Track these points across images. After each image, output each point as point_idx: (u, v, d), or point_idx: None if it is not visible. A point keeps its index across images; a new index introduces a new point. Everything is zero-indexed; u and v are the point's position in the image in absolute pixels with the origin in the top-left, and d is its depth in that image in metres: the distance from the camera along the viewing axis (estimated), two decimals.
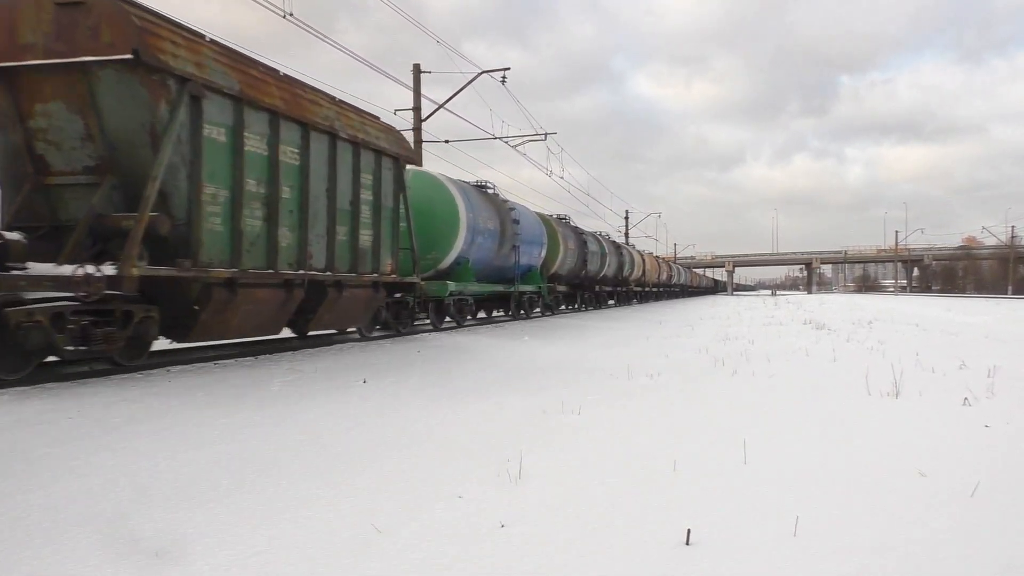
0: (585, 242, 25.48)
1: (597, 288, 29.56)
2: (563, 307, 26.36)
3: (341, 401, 6.06)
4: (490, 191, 17.57)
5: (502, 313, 20.64)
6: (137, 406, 5.52)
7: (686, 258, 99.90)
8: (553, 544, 2.71)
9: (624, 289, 36.24)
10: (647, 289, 43.97)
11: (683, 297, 62.68)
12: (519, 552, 2.63)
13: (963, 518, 2.92)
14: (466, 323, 16.25)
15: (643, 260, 40.29)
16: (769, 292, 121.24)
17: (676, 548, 2.65)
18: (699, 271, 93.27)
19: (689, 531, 2.74)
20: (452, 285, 14.18)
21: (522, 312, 19.91)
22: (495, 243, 16.45)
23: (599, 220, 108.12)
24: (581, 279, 25.74)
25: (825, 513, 3.00)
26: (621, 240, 52.10)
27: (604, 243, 29.55)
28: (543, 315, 22.11)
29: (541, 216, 21.68)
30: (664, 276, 49.94)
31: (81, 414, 5.13)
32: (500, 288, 17.61)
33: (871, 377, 6.87)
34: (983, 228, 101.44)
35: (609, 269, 29.76)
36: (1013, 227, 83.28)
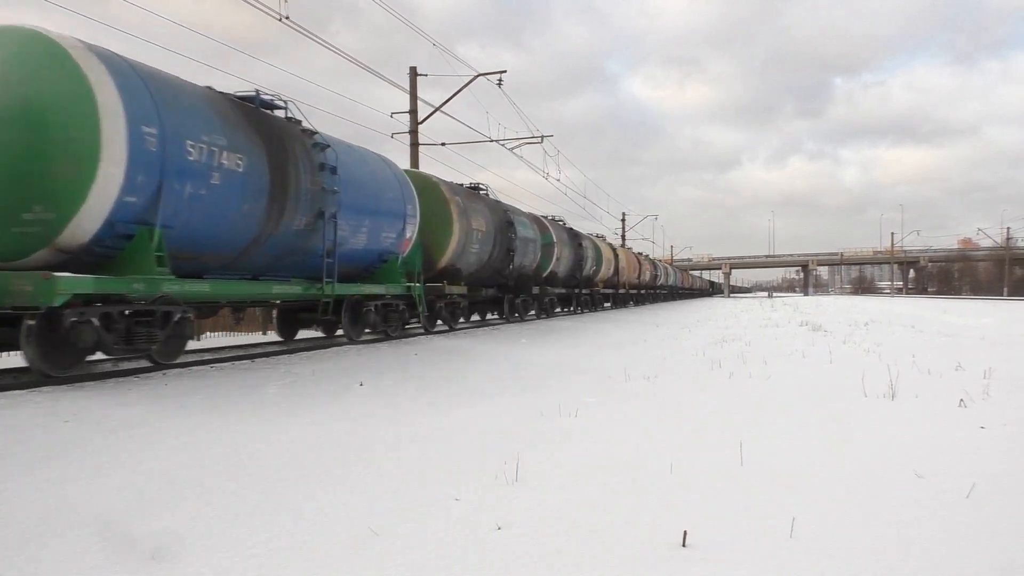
0: (511, 224, 17.86)
1: (537, 290, 21.00)
2: (492, 316, 20.13)
3: (337, 404, 6.05)
4: (282, 109, 9.65)
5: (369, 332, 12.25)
6: (134, 410, 5.51)
7: (683, 260, 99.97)
8: (549, 546, 2.71)
9: (587, 292, 28.01)
10: (622, 291, 35.54)
11: (673, 300, 56.63)
12: (516, 554, 2.63)
13: (960, 519, 2.93)
14: (198, 362, 8.69)
15: (615, 256, 32.31)
16: (766, 294, 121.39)
17: (672, 550, 2.65)
18: (695, 273, 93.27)
19: (685, 533, 2.74)
20: (74, 282, 6.50)
21: (367, 331, 11.93)
22: (258, 200, 8.46)
23: (596, 223, 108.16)
24: (506, 278, 18.21)
25: (822, 515, 3.00)
26: (616, 241, 50.01)
27: (551, 229, 21.98)
28: (427, 333, 14.24)
29: (412, 174, 14.25)
30: (647, 276, 42.78)
31: (78, 418, 5.12)
32: (296, 290, 9.78)
33: (867, 379, 6.89)
34: (979, 230, 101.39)
35: (560, 265, 22.74)
36: (1009, 228, 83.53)
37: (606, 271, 30.06)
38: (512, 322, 19.26)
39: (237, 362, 8.84)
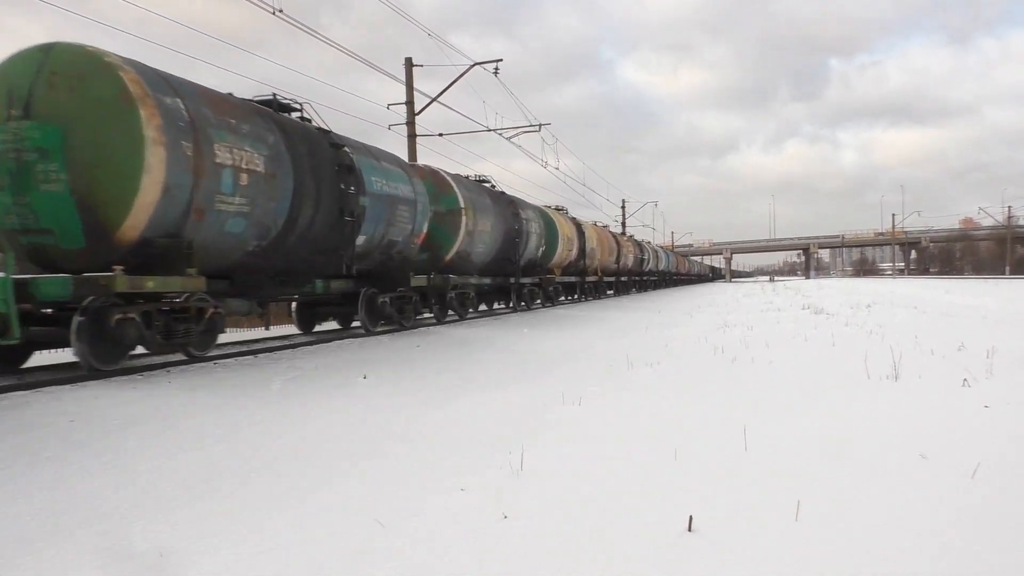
0: (349, 169, 10.62)
1: (424, 282, 13.58)
2: (350, 328, 13.51)
3: (342, 398, 6.06)
4: None
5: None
6: (137, 407, 5.51)
7: (684, 246, 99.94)
8: (556, 534, 2.71)
9: (532, 281, 20.59)
10: (592, 279, 28.44)
11: (666, 288, 49.98)
12: (522, 542, 2.64)
13: (964, 499, 2.93)
14: None
15: (578, 233, 25.41)
16: (767, 278, 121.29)
17: (679, 535, 2.65)
18: (696, 258, 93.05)
19: (691, 518, 2.74)
20: None
21: None
22: None
23: (596, 210, 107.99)
24: (347, 262, 11.04)
25: (826, 497, 3.00)
26: (617, 229, 44.35)
27: (456, 188, 14.89)
28: (98, 373, 7.05)
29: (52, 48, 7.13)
30: (630, 260, 35.74)
31: (81, 416, 5.13)
32: None
33: (870, 361, 6.88)
34: (980, 209, 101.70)
35: (476, 243, 15.69)
36: (1010, 207, 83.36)
37: (565, 253, 22.86)
38: (376, 333, 12.01)
39: (241, 357, 8.85)
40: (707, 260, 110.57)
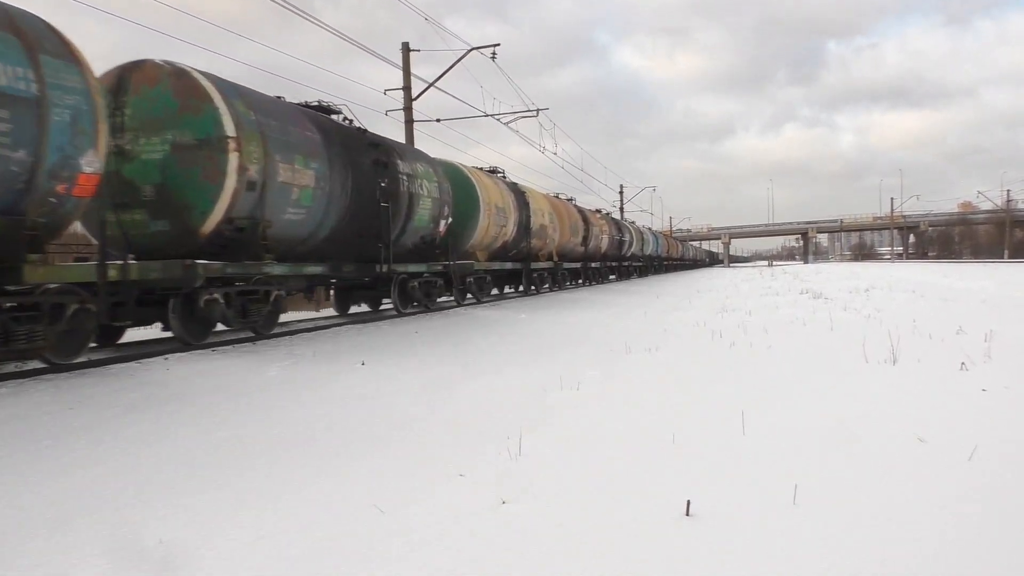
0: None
1: (57, 275, 6.44)
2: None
3: (340, 385, 6.07)
4: None
5: None
6: (136, 395, 5.52)
7: (683, 231, 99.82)
8: (554, 519, 2.72)
9: (436, 271, 14.02)
10: (544, 266, 21.67)
11: (654, 275, 45.54)
12: (521, 528, 2.65)
13: (962, 482, 2.94)
14: None
15: (519, 204, 18.90)
16: (766, 263, 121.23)
17: (677, 520, 2.66)
18: (695, 244, 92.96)
19: (689, 502, 2.75)
20: None
21: None
22: None
23: (594, 196, 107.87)
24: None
25: (824, 481, 3.01)
26: (612, 217, 43.27)
27: (217, 104, 8.07)
28: None
29: None
30: (603, 242, 29.27)
31: (81, 404, 5.13)
32: None
33: (868, 345, 6.89)
34: (979, 193, 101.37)
35: (288, 212, 9.19)
36: (1009, 191, 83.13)
37: (494, 230, 16.83)
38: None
39: (238, 345, 8.85)
40: (705, 245, 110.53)
